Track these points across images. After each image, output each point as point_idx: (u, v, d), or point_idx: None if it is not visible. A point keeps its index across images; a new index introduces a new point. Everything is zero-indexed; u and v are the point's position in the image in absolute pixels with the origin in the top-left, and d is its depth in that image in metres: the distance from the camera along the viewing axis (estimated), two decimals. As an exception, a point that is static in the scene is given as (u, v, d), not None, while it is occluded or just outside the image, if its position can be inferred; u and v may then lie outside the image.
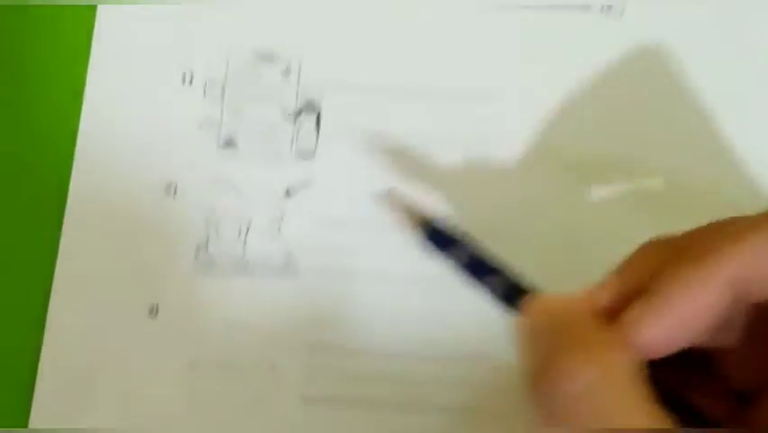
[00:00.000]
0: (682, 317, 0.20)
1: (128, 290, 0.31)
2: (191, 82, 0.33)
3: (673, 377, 0.22)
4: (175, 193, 0.32)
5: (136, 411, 0.30)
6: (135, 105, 0.33)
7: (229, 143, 0.32)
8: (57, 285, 0.31)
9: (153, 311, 0.31)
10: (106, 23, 0.33)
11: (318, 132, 0.32)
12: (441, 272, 0.29)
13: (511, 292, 0.24)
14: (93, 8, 0.33)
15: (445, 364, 0.30)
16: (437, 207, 0.31)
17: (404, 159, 0.32)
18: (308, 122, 0.32)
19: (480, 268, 0.24)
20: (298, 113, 0.32)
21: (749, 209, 0.22)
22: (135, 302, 0.31)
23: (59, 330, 0.31)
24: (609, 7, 0.32)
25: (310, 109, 0.32)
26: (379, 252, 0.31)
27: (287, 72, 0.33)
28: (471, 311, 0.30)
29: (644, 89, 0.32)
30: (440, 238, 0.25)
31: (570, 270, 0.26)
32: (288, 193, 0.32)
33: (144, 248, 0.32)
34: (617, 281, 0.22)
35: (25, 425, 0.30)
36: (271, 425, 0.30)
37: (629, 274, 0.22)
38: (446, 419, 0.30)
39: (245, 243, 0.32)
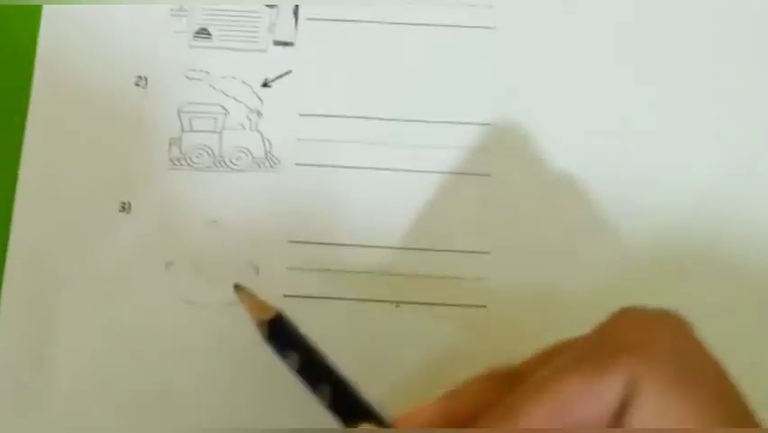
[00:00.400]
0: None
1: (98, 186, 0.30)
2: (161, -27, 0.31)
3: None
4: (146, 84, 0.30)
5: (108, 313, 0.29)
6: (101, -6, 0.31)
7: (202, 32, 0.30)
8: (22, 180, 0.30)
9: (126, 208, 0.30)
10: None
11: (297, 19, 0.30)
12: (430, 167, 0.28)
13: (341, 406, 0.23)
14: None
15: (429, 255, 0.29)
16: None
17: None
18: (286, 8, 0.30)
19: (313, 375, 0.24)
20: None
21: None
22: (106, 198, 0.30)
23: (25, 228, 0.29)
24: None
25: (287, -5, 0.30)
26: (360, 143, 0.30)
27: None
28: (450, 206, 0.29)
29: None
30: (280, 339, 0.25)
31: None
32: (265, 83, 0.30)
33: (115, 142, 0.30)
34: (444, 405, 0.23)
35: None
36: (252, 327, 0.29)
37: (456, 401, 0.23)
38: (431, 313, 0.29)
39: (221, 135, 0.30)
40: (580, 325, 0.22)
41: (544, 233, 0.29)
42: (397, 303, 0.29)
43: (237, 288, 0.26)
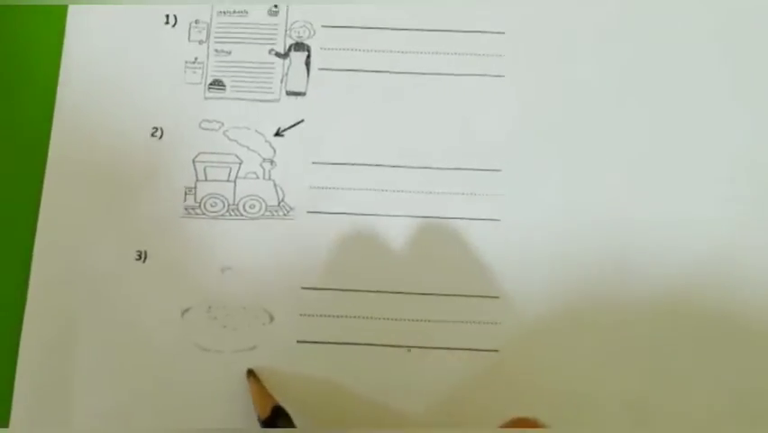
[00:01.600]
0: None
1: (115, 236, 0.30)
2: (174, 25, 0.32)
3: None
4: (162, 136, 0.31)
5: (125, 360, 0.29)
6: (118, 47, 0.31)
7: (216, 83, 0.31)
8: (41, 230, 0.30)
9: (142, 256, 0.30)
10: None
11: (309, 70, 0.31)
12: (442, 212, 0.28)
13: None
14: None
15: (440, 300, 0.30)
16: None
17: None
18: (298, 60, 0.31)
19: None
20: (288, 51, 0.31)
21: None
22: (123, 248, 0.30)
23: (43, 278, 0.30)
24: None
25: (300, 47, 0.31)
26: (371, 190, 0.30)
27: (274, 12, 0.32)
28: (460, 251, 0.30)
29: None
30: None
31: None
32: (278, 132, 0.31)
33: (131, 192, 0.31)
34: None
35: (10, 371, 0.29)
36: (267, 369, 0.29)
37: None
38: (440, 356, 0.29)
39: (235, 184, 0.31)
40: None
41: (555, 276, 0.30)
42: (409, 348, 0.30)
43: (250, 374, 0.28)
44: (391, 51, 0.31)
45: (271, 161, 0.31)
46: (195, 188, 0.31)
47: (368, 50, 0.31)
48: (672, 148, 0.30)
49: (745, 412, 0.29)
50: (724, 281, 0.29)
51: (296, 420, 0.27)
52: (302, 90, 0.31)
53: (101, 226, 0.30)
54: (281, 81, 0.31)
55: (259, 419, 0.27)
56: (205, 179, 0.31)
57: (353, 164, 0.31)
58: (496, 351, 0.30)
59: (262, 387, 0.28)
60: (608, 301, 0.29)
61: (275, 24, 0.31)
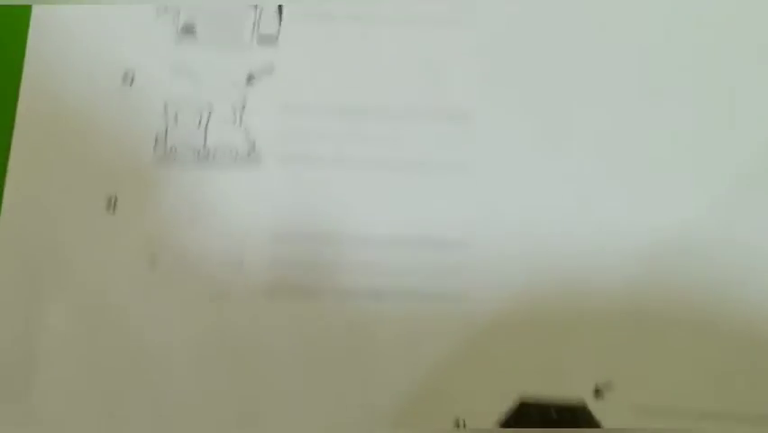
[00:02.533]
0: None
1: (84, 184, 0.30)
2: (148, -28, 0.31)
3: None
4: (132, 82, 0.30)
5: (92, 308, 0.29)
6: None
7: (187, 29, 0.31)
8: (10, 178, 0.30)
9: (111, 204, 0.30)
10: None
11: (281, 17, 0.31)
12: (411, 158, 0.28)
13: None
14: None
15: (416, 249, 0.29)
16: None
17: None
18: (270, 5, 0.31)
19: None
20: (260, -3, 0.31)
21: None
22: (92, 196, 0.30)
23: (11, 224, 0.30)
24: None
25: (272, -6, 0.31)
26: (344, 138, 0.30)
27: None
28: (444, 196, 0.30)
29: None
30: None
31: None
32: (249, 80, 0.30)
33: (101, 139, 0.30)
34: None
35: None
36: (237, 320, 0.29)
37: None
38: (419, 305, 0.29)
39: (206, 132, 0.30)
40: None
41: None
42: (380, 295, 0.29)
43: None
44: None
45: (243, 108, 0.30)
46: (166, 135, 0.30)
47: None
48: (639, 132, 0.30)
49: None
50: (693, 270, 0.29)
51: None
52: (274, 35, 0.31)
53: (70, 175, 0.30)
54: (253, 27, 0.31)
55: None
56: (176, 126, 0.30)
57: (325, 111, 0.30)
58: (466, 298, 0.29)
59: None
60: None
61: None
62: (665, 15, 0.31)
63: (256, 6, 0.31)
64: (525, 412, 0.28)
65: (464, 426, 0.28)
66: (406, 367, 0.29)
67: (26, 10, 0.31)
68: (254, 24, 0.31)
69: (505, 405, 0.28)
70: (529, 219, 0.30)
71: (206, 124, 0.30)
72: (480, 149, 0.30)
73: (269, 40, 0.31)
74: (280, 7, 0.31)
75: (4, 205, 0.30)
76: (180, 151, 0.30)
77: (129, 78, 0.31)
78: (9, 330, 0.29)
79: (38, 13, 0.31)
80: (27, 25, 0.31)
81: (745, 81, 0.31)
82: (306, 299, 0.29)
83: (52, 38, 0.31)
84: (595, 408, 0.28)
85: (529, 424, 0.28)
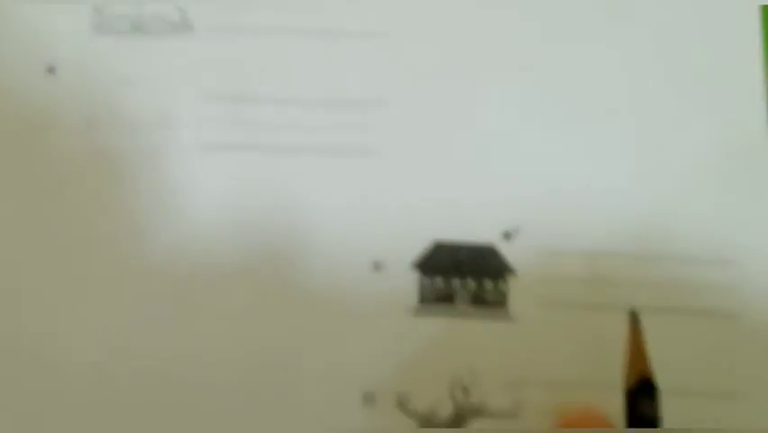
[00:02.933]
0: None
1: (25, 51, 0.32)
2: None
3: None
4: (70, -44, 0.32)
5: (32, 163, 0.31)
6: None
7: None
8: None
9: (51, 71, 0.32)
10: None
11: None
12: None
13: None
14: None
15: (340, 108, 0.31)
16: None
17: None
18: None
19: None
20: None
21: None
22: (33, 62, 0.32)
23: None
24: None
25: None
26: (271, 8, 0.32)
27: None
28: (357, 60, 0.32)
29: None
30: None
31: None
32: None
33: (40, 7, 0.32)
34: None
35: None
36: (167, 175, 0.31)
37: None
38: (336, 160, 0.31)
39: (141, 1, 0.32)
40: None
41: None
42: (300, 151, 0.31)
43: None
44: None
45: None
46: (102, 4, 0.32)
47: None
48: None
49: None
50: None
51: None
52: None
53: (11, 41, 0.32)
54: None
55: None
56: (112, -2, 0.32)
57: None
58: (381, 151, 0.31)
59: (640, 343, 0.27)
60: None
61: None
62: None
63: None
64: (438, 253, 0.30)
65: (382, 269, 0.30)
66: (323, 215, 0.30)
67: None
68: None
69: (420, 248, 0.30)
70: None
71: (141, -5, 0.32)
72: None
73: None
74: None
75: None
76: (116, 20, 0.32)
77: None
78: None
79: None
80: None
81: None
82: (233, 152, 0.31)
83: None
84: (503, 249, 0.30)
85: (442, 263, 0.30)
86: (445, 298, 0.30)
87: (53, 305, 0.30)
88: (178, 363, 0.29)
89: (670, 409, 0.27)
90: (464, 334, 0.29)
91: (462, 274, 0.30)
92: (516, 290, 0.30)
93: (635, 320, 0.28)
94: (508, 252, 0.30)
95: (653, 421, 0.26)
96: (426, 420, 0.28)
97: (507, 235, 0.30)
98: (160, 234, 0.30)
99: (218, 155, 0.31)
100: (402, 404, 0.29)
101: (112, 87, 0.32)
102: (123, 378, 0.29)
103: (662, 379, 0.27)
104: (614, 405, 0.28)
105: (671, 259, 0.30)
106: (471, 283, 0.30)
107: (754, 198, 0.30)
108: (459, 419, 0.28)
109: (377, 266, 0.30)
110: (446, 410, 0.29)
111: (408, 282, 0.30)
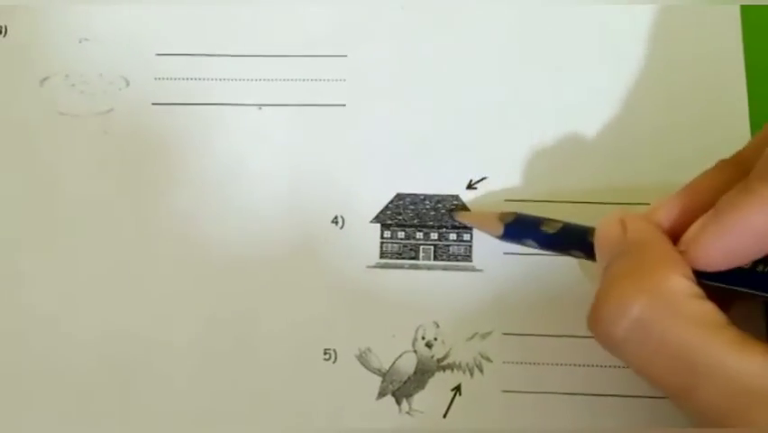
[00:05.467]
0: (744, 234, 0.20)
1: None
2: None
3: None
4: None
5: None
6: None
7: None
8: None
9: (2, 31, 0.31)
10: None
11: None
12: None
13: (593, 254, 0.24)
14: None
15: (292, 60, 0.30)
16: None
17: None
18: None
19: (557, 246, 0.26)
20: None
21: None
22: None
23: None
24: None
25: None
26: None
27: None
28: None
29: None
30: (515, 230, 0.27)
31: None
32: None
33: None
34: (680, 200, 0.23)
35: None
36: (124, 129, 0.30)
37: (693, 193, 0.23)
38: (291, 113, 0.30)
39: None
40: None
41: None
42: (260, 106, 0.30)
43: (456, 212, 0.29)
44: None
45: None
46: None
47: None
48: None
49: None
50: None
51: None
52: None
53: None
54: None
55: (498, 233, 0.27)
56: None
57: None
58: (343, 105, 0.30)
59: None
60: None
61: None
62: None
63: None
64: (399, 205, 0.29)
65: (343, 223, 0.29)
66: (282, 172, 0.30)
67: None
68: None
69: (383, 202, 0.30)
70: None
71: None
72: None
73: None
74: None
75: None
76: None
77: None
78: None
79: None
80: None
81: None
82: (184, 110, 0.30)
83: None
84: (467, 197, 0.29)
85: (403, 215, 0.29)
86: (407, 251, 0.29)
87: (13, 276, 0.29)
88: (138, 323, 0.29)
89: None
90: (427, 287, 0.29)
91: (425, 227, 0.29)
92: (480, 240, 0.29)
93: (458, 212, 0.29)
94: (472, 202, 0.29)
95: None
96: (388, 375, 0.28)
97: (472, 186, 0.29)
98: (123, 190, 0.30)
99: (170, 111, 0.30)
100: (364, 360, 0.28)
101: (65, 45, 0.31)
102: (86, 340, 0.29)
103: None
104: (581, 355, 0.27)
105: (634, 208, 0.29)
106: (434, 236, 0.29)
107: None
108: (422, 373, 0.28)
109: (338, 221, 0.29)
110: (410, 365, 0.28)
111: (369, 236, 0.29)
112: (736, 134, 0.29)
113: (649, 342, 0.20)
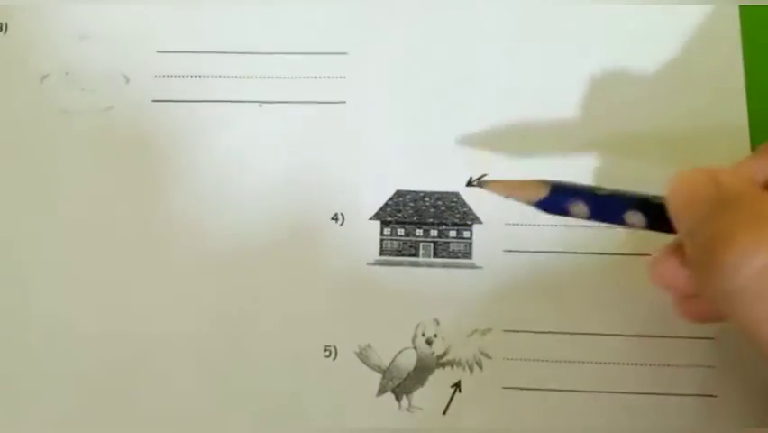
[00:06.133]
0: None
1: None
2: None
3: None
4: None
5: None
6: None
7: None
8: None
9: (2, 28, 0.31)
10: None
11: None
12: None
13: (653, 217, 0.22)
14: None
15: (300, 60, 0.30)
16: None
17: None
18: None
19: (611, 209, 0.23)
20: None
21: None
22: (-17, 21, 0.31)
23: None
24: None
25: None
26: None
27: None
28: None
29: None
30: (562, 194, 0.24)
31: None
32: None
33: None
34: (762, 161, 0.22)
35: None
36: (124, 127, 0.30)
37: None
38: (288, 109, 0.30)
39: (90, -46, 0.31)
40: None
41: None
42: (261, 103, 0.30)
43: (487, 184, 0.25)
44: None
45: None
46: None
47: None
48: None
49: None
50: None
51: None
52: None
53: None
54: None
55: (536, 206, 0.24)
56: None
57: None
58: (344, 102, 0.30)
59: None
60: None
61: None
62: None
63: None
64: (399, 202, 0.29)
65: (343, 220, 0.29)
66: (284, 168, 0.30)
67: None
68: None
69: (384, 199, 0.30)
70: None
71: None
72: None
73: None
74: None
75: None
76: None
77: None
78: None
79: None
80: None
81: None
82: (185, 108, 0.30)
83: None
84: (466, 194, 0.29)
85: (403, 212, 0.29)
86: (407, 248, 0.29)
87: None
88: (137, 320, 0.29)
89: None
90: (427, 284, 0.29)
91: (425, 224, 0.29)
92: (480, 237, 0.29)
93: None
94: (472, 200, 0.29)
95: None
96: (388, 372, 0.28)
97: (472, 183, 0.29)
98: (124, 187, 0.30)
99: (171, 109, 0.30)
100: (364, 356, 0.28)
101: (64, 42, 0.31)
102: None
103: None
104: (581, 352, 0.27)
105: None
106: (434, 233, 0.29)
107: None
108: (422, 370, 0.28)
109: (338, 218, 0.29)
110: (409, 362, 0.28)
111: (369, 234, 0.29)
112: (734, 131, 0.29)
113: None
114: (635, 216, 0.23)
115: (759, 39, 0.30)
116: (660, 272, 0.23)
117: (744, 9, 0.30)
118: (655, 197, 0.23)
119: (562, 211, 0.24)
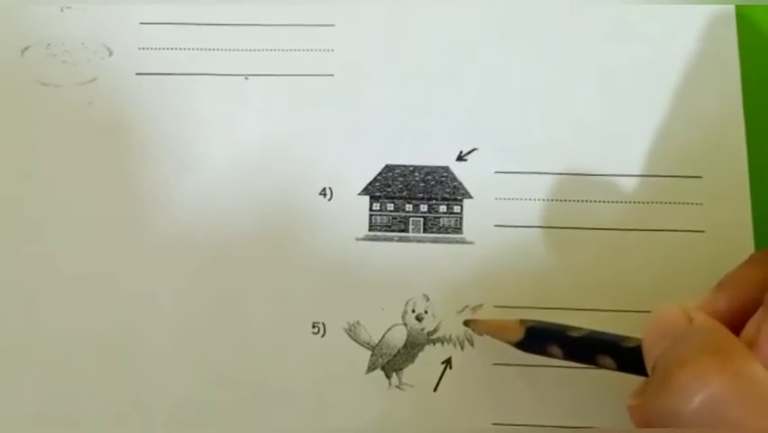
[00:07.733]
0: None
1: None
2: None
3: None
4: None
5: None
6: None
7: None
8: None
9: (-19, -1, 0.30)
10: None
11: None
12: None
13: (622, 361, 0.23)
14: None
15: (286, 32, 0.30)
16: None
17: None
18: None
19: (583, 352, 0.24)
20: None
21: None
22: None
23: None
24: None
25: None
26: None
27: None
28: None
29: None
30: (538, 335, 0.25)
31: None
32: None
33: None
34: (724, 296, 0.22)
35: None
36: (107, 100, 0.30)
37: (734, 289, 0.22)
38: (277, 82, 0.30)
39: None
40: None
41: None
42: (247, 76, 0.30)
43: (471, 324, 0.27)
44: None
45: None
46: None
47: None
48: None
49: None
50: None
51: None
52: None
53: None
54: None
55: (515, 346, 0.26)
56: None
57: None
58: (332, 75, 0.30)
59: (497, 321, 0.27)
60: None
61: None
62: None
63: None
64: (389, 176, 0.29)
65: (331, 195, 0.29)
66: (273, 142, 0.29)
67: None
68: None
69: (372, 174, 0.29)
70: None
71: None
72: None
73: None
74: None
75: None
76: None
77: None
78: None
79: None
80: None
81: None
82: (169, 79, 0.30)
83: None
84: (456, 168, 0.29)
85: (393, 184, 0.29)
86: (397, 224, 0.29)
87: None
88: (124, 300, 0.28)
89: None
90: (417, 260, 0.28)
91: (415, 199, 0.29)
92: (471, 212, 0.28)
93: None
94: (462, 174, 0.29)
95: None
96: (378, 349, 0.27)
97: (462, 157, 0.29)
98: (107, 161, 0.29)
99: (156, 81, 0.30)
100: (353, 333, 0.28)
101: (46, 13, 0.30)
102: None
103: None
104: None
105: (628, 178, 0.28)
106: (424, 208, 0.29)
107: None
108: (412, 346, 0.28)
109: (326, 193, 0.29)
110: (399, 338, 0.28)
111: (358, 209, 0.29)
112: (730, 133, 0.28)
113: (722, 423, 0.19)
114: (605, 360, 0.23)
115: (755, 39, 0.29)
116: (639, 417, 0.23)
117: (740, 9, 0.30)
118: (627, 339, 0.23)
119: (539, 351, 0.25)
